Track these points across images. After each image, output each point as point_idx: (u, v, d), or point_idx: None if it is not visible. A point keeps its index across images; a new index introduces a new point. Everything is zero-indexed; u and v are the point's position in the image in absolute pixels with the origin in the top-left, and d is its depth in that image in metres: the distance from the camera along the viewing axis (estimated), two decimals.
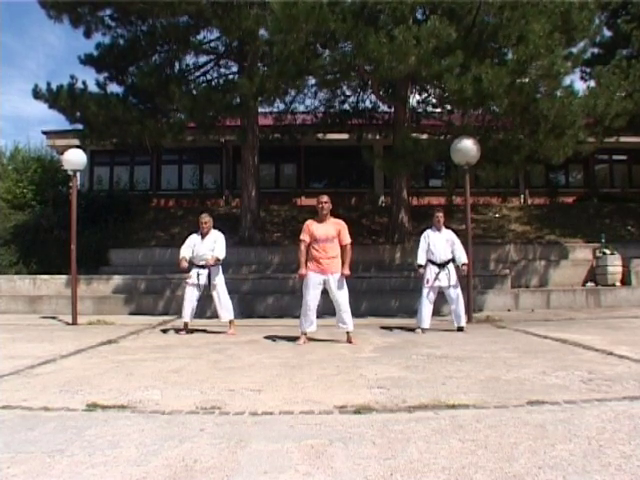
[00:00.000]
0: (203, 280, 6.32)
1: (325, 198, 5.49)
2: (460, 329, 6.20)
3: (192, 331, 6.39)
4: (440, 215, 6.42)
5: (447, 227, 6.58)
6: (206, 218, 6.41)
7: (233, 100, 9.66)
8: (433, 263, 6.25)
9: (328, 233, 5.37)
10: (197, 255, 6.32)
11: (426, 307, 6.21)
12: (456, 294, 6.23)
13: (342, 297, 5.42)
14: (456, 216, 12.62)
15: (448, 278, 6.19)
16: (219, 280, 6.35)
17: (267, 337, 5.88)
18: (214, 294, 6.36)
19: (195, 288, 6.34)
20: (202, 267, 6.31)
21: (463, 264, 6.32)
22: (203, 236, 6.37)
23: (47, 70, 44.48)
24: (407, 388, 3.29)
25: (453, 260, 6.32)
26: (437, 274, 6.19)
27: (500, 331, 6.15)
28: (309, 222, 5.52)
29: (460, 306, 6.25)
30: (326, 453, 2.17)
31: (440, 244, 6.26)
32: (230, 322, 6.35)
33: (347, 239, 5.44)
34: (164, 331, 6.58)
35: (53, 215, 11.69)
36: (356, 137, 13.73)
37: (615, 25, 11.80)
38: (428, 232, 6.40)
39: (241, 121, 11.38)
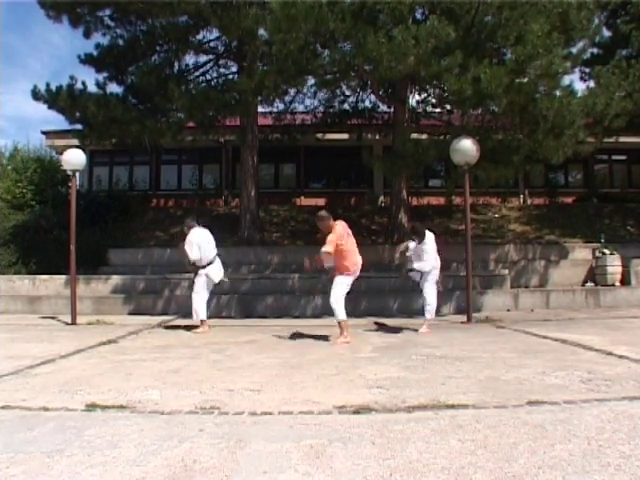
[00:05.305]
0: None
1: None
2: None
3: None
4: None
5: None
6: None
7: (232, 98, 9.64)
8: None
9: None
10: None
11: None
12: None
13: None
14: (455, 216, 12.65)
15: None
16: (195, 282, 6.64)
17: (266, 337, 5.88)
18: None
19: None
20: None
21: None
22: None
23: (51, 70, 44.31)
24: (406, 388, 3.28)
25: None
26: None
27: (499, 331, 6.15)
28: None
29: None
30: (325, 453, 2.17)
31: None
32: (201, 322, 6.52)
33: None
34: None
35: (52, 215, 11.68)
36: (356, 137, 13.73)
37: (614, 25, 11.78)
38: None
39: (240, 121, 11.37)
